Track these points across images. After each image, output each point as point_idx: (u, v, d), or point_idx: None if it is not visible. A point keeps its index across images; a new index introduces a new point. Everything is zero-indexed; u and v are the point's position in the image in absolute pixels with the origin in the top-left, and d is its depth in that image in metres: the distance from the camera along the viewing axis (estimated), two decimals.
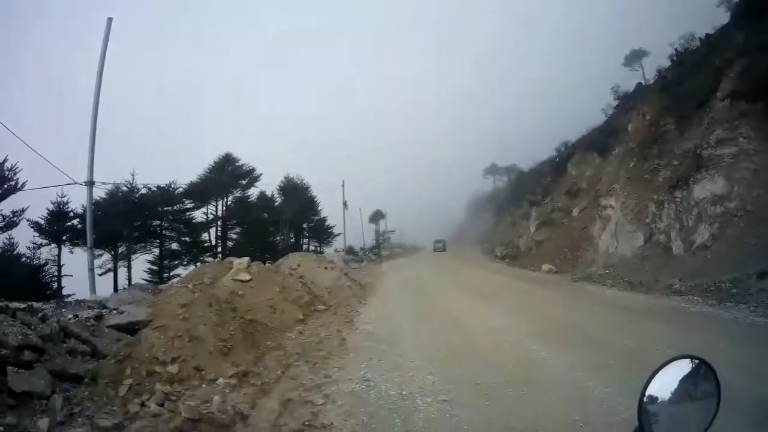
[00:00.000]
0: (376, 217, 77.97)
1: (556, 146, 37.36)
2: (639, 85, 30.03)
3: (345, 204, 45.46)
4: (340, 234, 46.58)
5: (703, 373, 1.47)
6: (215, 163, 38.63)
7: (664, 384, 1.44)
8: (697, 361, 1.48)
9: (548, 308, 12.14)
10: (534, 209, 33.49)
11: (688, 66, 21.05)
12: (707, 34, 22.20)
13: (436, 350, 8.20)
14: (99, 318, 8.29)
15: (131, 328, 8.14)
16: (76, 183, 16.70)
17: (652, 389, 1.43)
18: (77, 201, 26.12)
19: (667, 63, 25.01)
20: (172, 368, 6.76)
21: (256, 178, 40.27)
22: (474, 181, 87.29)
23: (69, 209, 26.72)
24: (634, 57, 38.80)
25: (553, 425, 4.69)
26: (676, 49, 24.25)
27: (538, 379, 6.07)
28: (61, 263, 25.88)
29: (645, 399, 1.45)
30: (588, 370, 6.20)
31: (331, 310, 13.40)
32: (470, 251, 42.65)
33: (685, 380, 1.45)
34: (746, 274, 11.29)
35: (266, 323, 10.36)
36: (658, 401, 1.46)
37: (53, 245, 26.30)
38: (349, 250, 44.37)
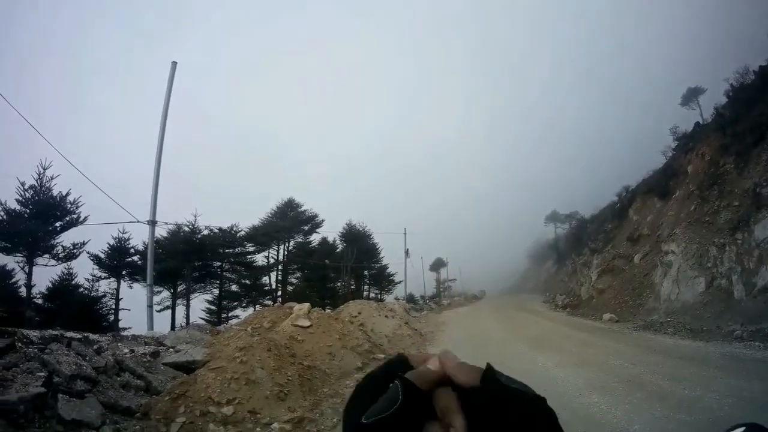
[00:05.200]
0: (437, 265, 76.18)
1: (617, 192, 35.77)
2: (697, 124, 28.67)
3: (407, 252, 44.96)
4: (401, 282, 45.67)
5: None
6: (278, 207, 38.75)
7: None
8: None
9: (607, 360, 11.43)
10: (595, 257, 32.08)
11: (743, 101, 20.20)
12: (761, 66, 21.15)
13: None
14: (155, 355, 8.16)
15: (188, 367, 7.96)
16: (138, 221, 16.84)
17: None
18: (138, 238, 26.88)
19: (723, 99, 24.06)
20: (227, 410, 6.48)
21: (318, 224, 40.01)
22: (535, 229, 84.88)
23: (130, 245, 27.07)
24: (691, 95, 36.58)
25: None
26: (731, 84, 23.23)
27: None
28: (119, 297, 26.05)
29: None
30: (647, 423, 6.07)
31: None
32: (531, 300, 40.93)
33: None
34: None
35: (324, 370, 10.14)
36: None
37: (112, 279, 26.44)
38: (410, 298, 43.22)
